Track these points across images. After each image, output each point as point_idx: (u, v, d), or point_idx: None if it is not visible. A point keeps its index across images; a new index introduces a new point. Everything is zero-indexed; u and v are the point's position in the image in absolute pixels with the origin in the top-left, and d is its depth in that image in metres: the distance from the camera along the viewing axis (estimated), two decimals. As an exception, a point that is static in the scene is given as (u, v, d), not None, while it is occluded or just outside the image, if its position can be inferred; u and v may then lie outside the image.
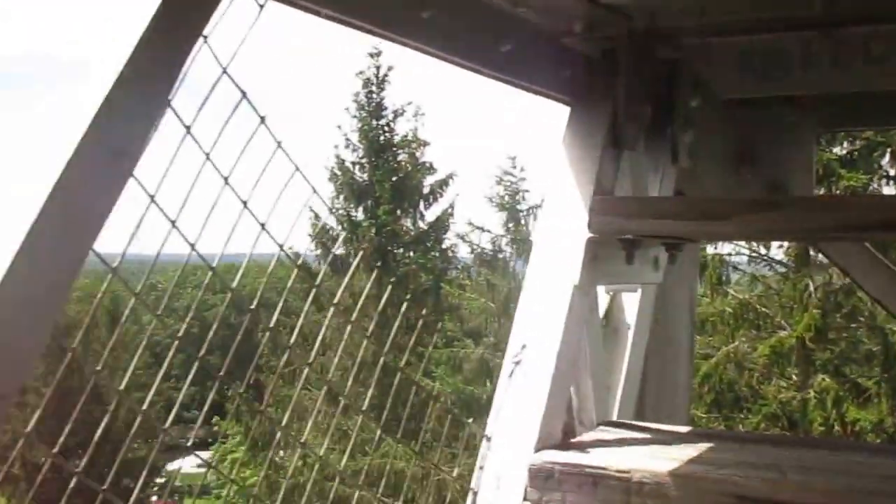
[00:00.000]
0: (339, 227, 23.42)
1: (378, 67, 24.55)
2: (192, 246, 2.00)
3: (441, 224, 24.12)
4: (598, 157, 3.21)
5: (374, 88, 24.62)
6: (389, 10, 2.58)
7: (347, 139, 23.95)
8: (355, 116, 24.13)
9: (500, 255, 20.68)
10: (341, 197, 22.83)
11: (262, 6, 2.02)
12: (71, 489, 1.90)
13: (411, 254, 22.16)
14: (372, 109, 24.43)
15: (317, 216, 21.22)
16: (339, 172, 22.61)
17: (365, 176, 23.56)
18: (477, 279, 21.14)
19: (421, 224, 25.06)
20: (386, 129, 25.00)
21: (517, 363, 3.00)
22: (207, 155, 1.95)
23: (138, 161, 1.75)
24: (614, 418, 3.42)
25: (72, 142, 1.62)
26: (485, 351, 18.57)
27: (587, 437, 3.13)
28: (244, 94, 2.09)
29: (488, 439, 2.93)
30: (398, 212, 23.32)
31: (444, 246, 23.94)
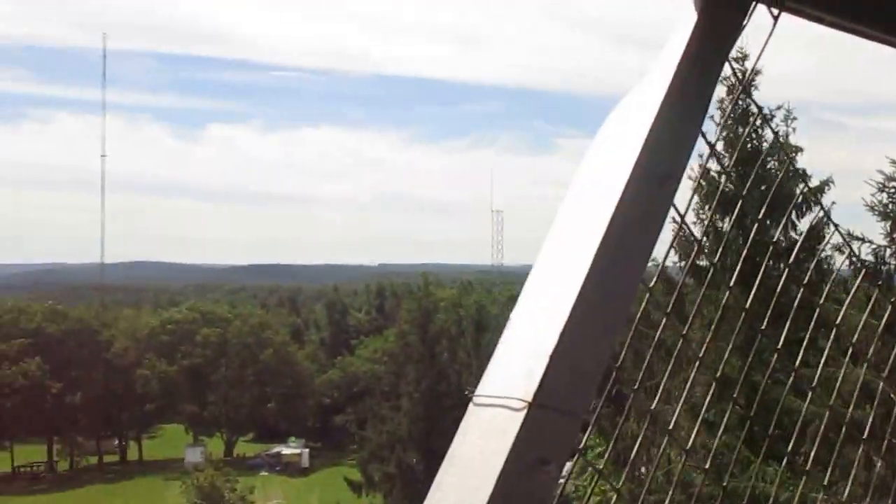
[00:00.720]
0: (704, 239, 22.82)
1: (744, 73, 23.61)
2: (713, 263, 2.02)
3: (814, 234, 22.94)
4: None
5: (739, 94, 23.71)
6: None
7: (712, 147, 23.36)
8: (720, 124, 23.49)
9: (883, 268, 19.21)
10: (706, 207, 22.32)
11: (776, 18, 2.02)
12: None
13: (781, 266, 21.17)
14: (738, 116, 23.72)
15: (680, 227, 20.85)
16: (703, 182, 22.11)
17: (731, 185, 22.93)
18: (856, 293, 19.73)
19: (793, 234, 23.96)
20: (753, 135, 24.17)
21: None
22: (727, 171, 2.00)
23: (679, 185, 1.84)
24: None
25: (624, 171, 1.73)
26: (864, 371, 17.24)
27: None
28: (760, 109, 2.12)
29: None
30: (767, 222, 22.45)
31: (817, 258, 22.71)
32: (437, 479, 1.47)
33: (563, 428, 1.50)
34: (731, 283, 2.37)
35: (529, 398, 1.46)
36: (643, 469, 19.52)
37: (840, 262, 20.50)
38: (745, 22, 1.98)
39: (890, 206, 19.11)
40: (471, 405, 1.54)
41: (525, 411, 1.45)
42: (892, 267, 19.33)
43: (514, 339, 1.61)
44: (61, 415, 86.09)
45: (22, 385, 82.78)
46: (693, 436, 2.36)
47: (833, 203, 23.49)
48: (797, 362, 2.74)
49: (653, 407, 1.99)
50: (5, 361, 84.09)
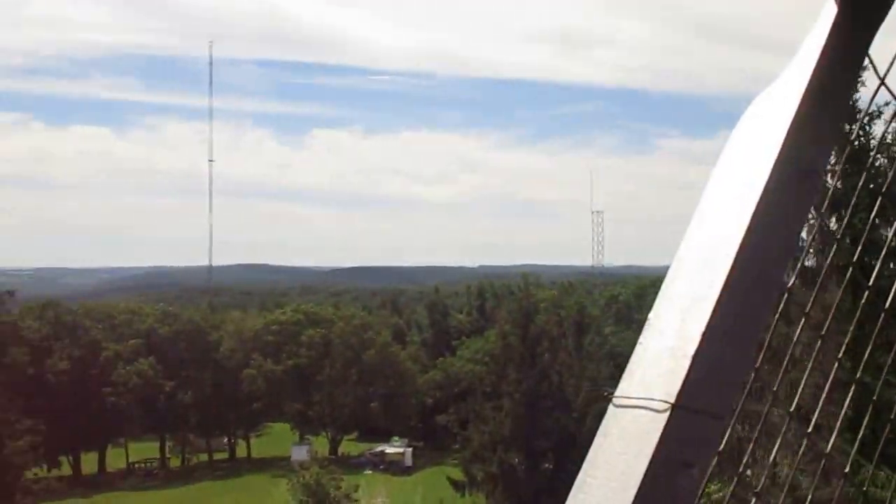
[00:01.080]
0: (810, 238, 22.33)
1: (882, 67, 22.93)
2: (851, 262, 1.94)
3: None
4: None
5: (878, 87, 23.15)
6: None
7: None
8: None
9: None
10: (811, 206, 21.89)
11: None
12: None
13: (892, 265, 20.65)
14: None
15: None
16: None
17: (838, 183, 22.39)
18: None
19: (901, 234, 23.30)
20: (860, 132, 23.59)
21: None
22: (870, 169, 1.90)
23: (822, 180, 1.80)
24: None
25: (765, 167, 1.70)
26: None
27: None
28: (899, 103, 2.09)
29: None
30: (876, 220, 21.88)
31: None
32: (578, 480, 1.46)
33: (706, 430, 1.49)
34: (870, 282, 2.29)
35: (672, 399, 1.45)
36: (748, 472, 19.20)
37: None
38: (886, 14, 1.93)
39: None
40: (611, 407, 1.53)
41: (668, 413, 1.44)
42: None
43: (653, 339, 1.59)
44: (173, 413, 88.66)
45: (136, 384, 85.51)
46: (832, 440, 2.33)
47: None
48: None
49: (792, 409, 1.96)
50: (120, 361, 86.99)
